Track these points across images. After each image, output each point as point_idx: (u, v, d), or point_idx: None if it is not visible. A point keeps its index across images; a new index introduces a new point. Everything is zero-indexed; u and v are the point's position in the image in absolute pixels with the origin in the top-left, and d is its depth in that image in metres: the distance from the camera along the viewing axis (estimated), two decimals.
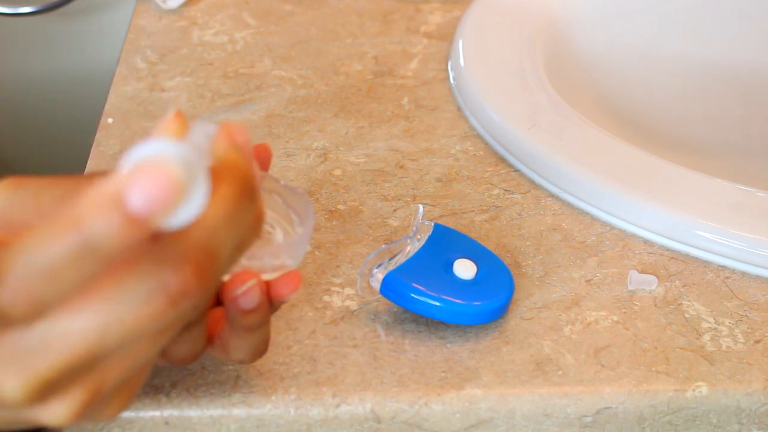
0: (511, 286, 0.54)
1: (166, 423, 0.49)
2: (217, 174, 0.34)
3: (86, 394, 0.34)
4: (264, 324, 0.44)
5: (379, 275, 0.52)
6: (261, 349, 0.45)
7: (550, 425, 0.51)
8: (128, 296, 0.32)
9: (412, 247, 0.54)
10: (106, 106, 0.70)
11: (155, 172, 0.29)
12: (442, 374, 0.51)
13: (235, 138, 0.35)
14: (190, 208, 0.31)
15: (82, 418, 0.35)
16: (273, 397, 0.49)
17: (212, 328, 0.45)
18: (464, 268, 0.53)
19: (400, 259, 0.53)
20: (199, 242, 0.33)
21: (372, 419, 0.50)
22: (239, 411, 0.49)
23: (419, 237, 0.54)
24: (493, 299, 0.53)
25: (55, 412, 0.35)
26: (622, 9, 0.83)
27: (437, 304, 0.52)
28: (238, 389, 0.50)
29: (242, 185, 0.34)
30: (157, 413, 0.49)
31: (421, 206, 0.55)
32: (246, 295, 0.41)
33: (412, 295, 0.52)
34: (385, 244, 0.56)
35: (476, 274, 0.53)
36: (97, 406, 0.36)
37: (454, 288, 0.52)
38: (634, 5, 0.84)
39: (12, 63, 1.06)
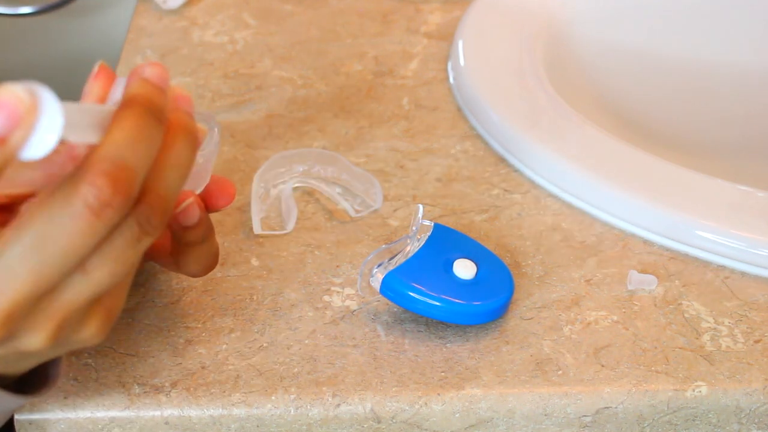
0: (510, 286, 0.54)
1: (166, 423, 0.49)
2: (123, 103, 0.39)
3: (52, 321, 0.38)
4: (208, 237, 0.48)
5: (379, 275, 0.52)
6: (211, 262, 0.50)
7: (550, 425, 0.51)
8: (54, 218, 0.36)
9: (412, 247, 0.54)
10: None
11: (4, 100, 0.33)
12: (442, 374, 0.51)
13: (145, 77, 0.40)
14: (44, 135, 0.34)
15: (59, 344, 0.39)
16: (273, 397, 0.50)
17: (161, 242, 0.49)
18: (464, 268, 0.53)
19: (400, 259, 0.53)
20: (107, 156, 0.36)
21: (372, 419, 0.50)
22: (239, 411, 0.49)
23: (419, 237, 0.54)
24: (493, 299, 0.53)
25: (31, 341, 0.38)
26: (622, 9, 0.83)
27: (437, 304, 0.52)
28: (238, 389, 0.50)
29: (145, 108, 0.38)
30: (157, 413, 0.49)
31: (421, 206, 0.55)
32: (185, 212, 0.46)
33: (412, 294, 0.52)
34: (386, 244, 0.56)
35: (476, 274, 0.53)
36: (69, 330, 0.39)
37: (454, 288, 0.52)
38: (634, 5, 0.83)
39: (12, 63, 1.06)
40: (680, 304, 0.56)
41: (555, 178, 0.63)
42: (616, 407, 0.51)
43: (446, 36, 0.79)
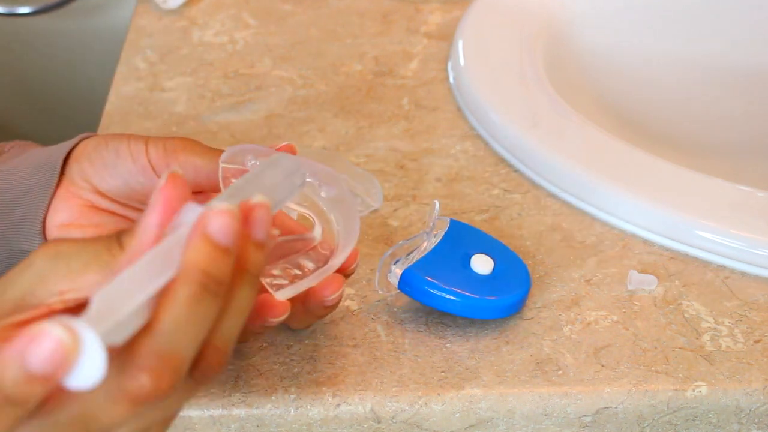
0: (528, 281, 0.54)
1: None
2: (178, 277, 0.36)
3: None
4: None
5: (397, 270, 0.53)
6: (310, 324, 0.53)
7: (550, 425, 0.51)
8: (97, 401, 0.36)
9: (428, 243, 0.54)
10: (106, 106, 0.70)
11: (45, 338, 0.33)
12: (442, 374, 0.51)
13: (209, 232, 0.37)
14: (87, 370, 0.33)
15: None
16: (273, 397, 0.50)
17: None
18: (482, 263, 0.53)
19: (417, 255, 0.53)
20: (152, 349, 0.36)
21: (372, 419, 0.50)
22: (239, 411, 0.49)
23: (435, 233, 0.55)
24: (512, 293, 0.53)
25: None
26: (622, 9, 0.83)
27: (456, 299, 0.52)
28: (238, 389, 0.50)
29: (200, 284, 0.36)
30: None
31: (437, 202, 0.55)
32: (335, 298, 0.48)
33: (430, 290, 0.52)
34: (403, 240, 0.56)
35: (493, 269, 0.53)
36: None
37: (472, 283, 0.52)
38: (634, 5, 0.83)
39: (12, 63, 1.06)
40: (680, 304, 0.56)
41: (555, 178, 0.63)
42: (616, 407, 0.51)
43: (446, 36, 0.79)
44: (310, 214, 0.50)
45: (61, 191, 0.51)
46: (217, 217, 0.37)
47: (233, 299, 0.38)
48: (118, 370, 0.36)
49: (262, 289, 0.46)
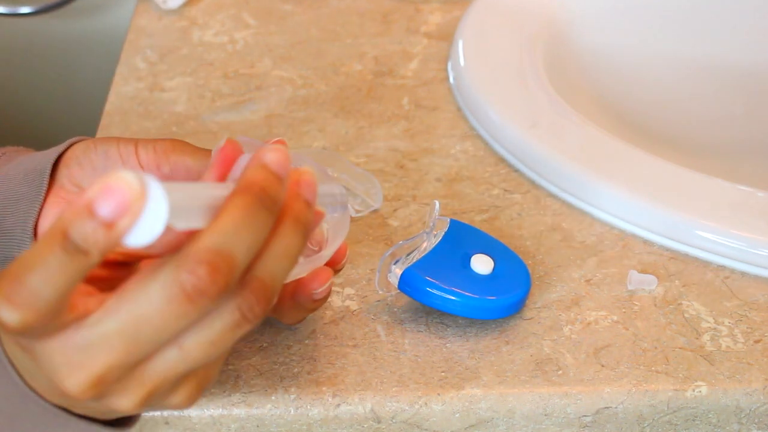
0: (528, 280, 0.54)
1: (166, 423, 0.49)
2: (236, 189, 0.39)
3: (143, 388, 0.39)
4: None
5: (397, 270, 0.53)
6: (301, 319, 0.53)
7: (550, 425, 0.51)
8: (151, 298, 0.37)
9: (428, 243, 0.54)
10: (106, 106, 0.70)
11: (115, 186, 0.34)
12: (442, 374, 0.51)
13: (262, 160, 0.40)
14: (149, 223, 0.34)
15: (148, 406, 0.40)
16: (273, 397, 0.50)
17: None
18: (482, 263, 0.53)
19: (417, 255, 0.53)
20: (211, 245, 0.37)
21: (372, 419, 0.50)
22: (239, 411, 0.49)
23: (435, 233, 0.55)
24: (512, 293, 0.53)
25: (121, 403, 0.39)
26: (622, 9, 0.83)
27: (456, 299, 0.52)
28: (238, 389, 0.50)
29: (257, 197, 0.38)
30: (157, 413, 0.49)
31: (437, 202, 0.55)
32: (323, 291, 0.49)
33: (431, 290, 0.52)
34: (403, 240, 0.56)
35: (493, 269, 0.53)
36: (159, 396, 0.40)
37: (472, 283, 0.52)
38: (634, 5, 0.83)
39: (12, 63, 1.06)
40: (680, 304, 0.56)
41: (555, 178, 0.63)
42: (616, 407, 0.51)
43: (446, 36, 0.79)
44: None
45: (51, 197, 0.51)
46: (273, 151, 0.40)
47: (281, 237, 0.39)
48: (174, 266, 0.36)
49: None
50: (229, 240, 0.37)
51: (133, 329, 0.37)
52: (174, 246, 0.39)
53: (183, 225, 0.37)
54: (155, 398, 0.40)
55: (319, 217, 0.43)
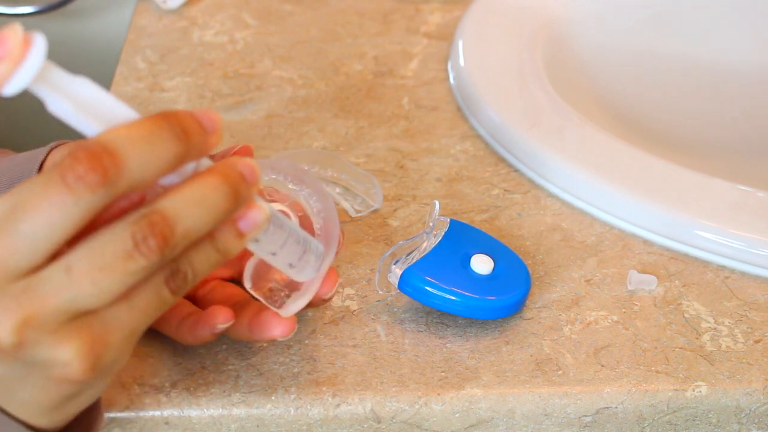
0: (528, 280, 0.54)
1: (166, 423, 0.49)
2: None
3: (21, 309, 0.37)
4: None
5: (397, 270, 0.53)
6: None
7: (550, 425, 0.51)
8: (34, 186, 0.36)
9: (428, 243, 0.54)
10: None
11: (5, 35, 0.35)
12: (442, 374, 0.51)
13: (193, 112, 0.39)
14: (25, 72, 0.36)
15: (26, 348, 0.38)
16: (273, 397, 0.50)
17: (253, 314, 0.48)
18: (482, 264, 0.53)
19: (417, 255, 0.53)
20: (99, 139, 0.36)
21: (372, 419, 0.50)
22: (239, 411, 0.49)
23: (435, 233, 0.55)
24: (511, 293, 0.53)
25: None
26: (622, 9, 0.83)
27: (456, 299, 0.52)
28: (238, 389, 0.50)
29: (165, 119, 0.38)
30: (157, 413, 0.49)
31: (437, 202, 0.55)
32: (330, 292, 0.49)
33: (430, 290, 0.52)
34: (403, 240, 0.56)
35: (493, 269, 0.53)
36: (41, 332, 0.38)
37: (471, 283, 0.52)
38: (634, 5, 0.84)
39: None
40: (680, 304, 0.56)
41: (555, 178, 0.63)
42: (616, 407, 0.51)
43: (446, 36, 0.79)
44: (283, 207, 0.49)
45: None
46: (209, 112, 0.40)
47: (200, 185, 0.39)
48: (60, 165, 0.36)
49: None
50: (119, 141, 0.36)
51: (11, 216, 0.36)
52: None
53: (81, 120, 0.37)
54: (36, 332, 0.37)
55: (255, 208, 0.41)
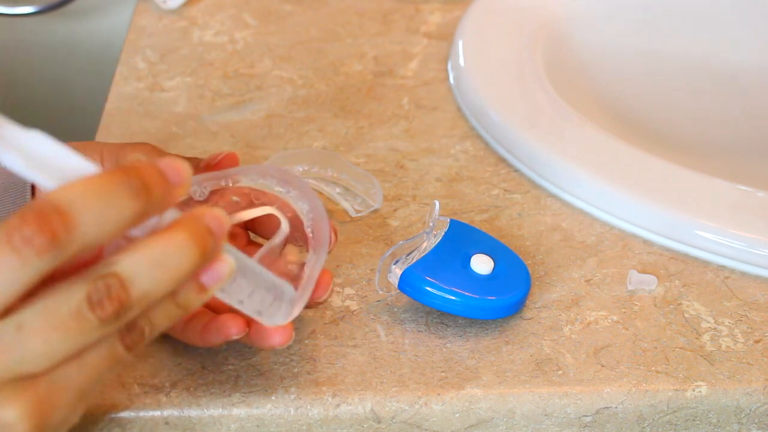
0: (528, 281, 0.54)
1: (166, 423, 0.49)
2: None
3: (30, 398, 0.36)
4: None
5: (397, 270, 0.53)
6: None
7: (550, 425, 0.51)
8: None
9: (428, 243, 0.54)
10: (106, 106, 0.70)
11: None
12: (442, 374, 0.51)
13: (157, 161, 0.37)
14: None
15: (37, 422, 0.36)
16: (273, 397, 0.50)
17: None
18: (482, 264, 0.53)
19: (417, 255, 0.53)
20: (48, 197, 0.34)
21: (372, 419, 0.50)
22: (239, 411, 0.49)
23: (435, 233, 0.55)
24: (511, 293, 0.53)
25: (6, 416, 0.36)
26: (622, 9, 0.83)
27: (456, 299, 0.52)
28: (238, 389, 0.50)
29: (124, 173, 0.36)
30: (157, 413, 0.49)
31: (437, 202, 0.55)
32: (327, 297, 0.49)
33: (431, 290, 0.52)
34: (403, 240, 0.56)
35: (493, 269, 0.53)
36: (52, 410, 0.37)
37: (471, 283, 0.52)
38: (634, 5, 0.84)
39: (12, 63, 1.06)
40: (680, 304, 0.56)
41: (555, 178, 0.63)
42: (616, 407, 0.51)
43: (446, 36, 0.79)
44: (273, 210, 0.49)
45: None
46: (173, 160, 0.37)
47: (160, 243, 0.37)
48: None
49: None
50: (71, 199, 0.34)
51: (26, 334, 0.35)
52: None
53: (34, 175, 0.35)
54: (47, 412, 0.36)
55: (220, 261, 0.39)
